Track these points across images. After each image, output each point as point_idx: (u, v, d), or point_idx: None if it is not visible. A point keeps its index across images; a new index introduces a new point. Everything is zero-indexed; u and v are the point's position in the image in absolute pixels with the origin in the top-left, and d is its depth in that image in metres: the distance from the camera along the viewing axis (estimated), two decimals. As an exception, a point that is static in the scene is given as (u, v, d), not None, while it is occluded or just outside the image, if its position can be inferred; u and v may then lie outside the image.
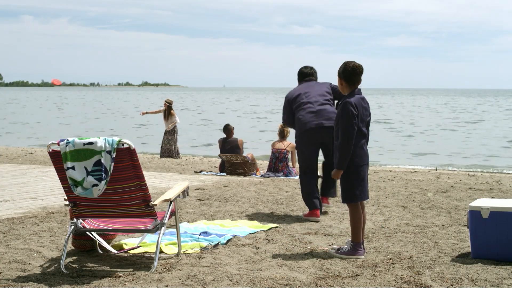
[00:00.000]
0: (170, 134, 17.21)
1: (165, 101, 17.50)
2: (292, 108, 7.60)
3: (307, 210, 7.54)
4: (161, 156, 17.21)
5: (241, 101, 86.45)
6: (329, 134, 7.12)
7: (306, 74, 7.92)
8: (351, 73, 5.45)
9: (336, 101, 7.63)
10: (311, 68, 8.00)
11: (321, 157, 7.69)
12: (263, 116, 44.91)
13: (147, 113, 18.69)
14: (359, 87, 5.53)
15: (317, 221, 7.17)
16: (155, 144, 22.65)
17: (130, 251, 5.69)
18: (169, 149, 17.16)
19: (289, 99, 7.67)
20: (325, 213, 7.65)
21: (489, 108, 64.74)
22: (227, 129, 13.80)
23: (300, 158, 7.63)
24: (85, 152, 4.88)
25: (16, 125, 36.56)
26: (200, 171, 13.14)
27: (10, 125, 36.69)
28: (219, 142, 13.92)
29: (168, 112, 17.27)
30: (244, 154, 13.23)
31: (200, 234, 6.11)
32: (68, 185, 4.98)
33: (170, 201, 5.33)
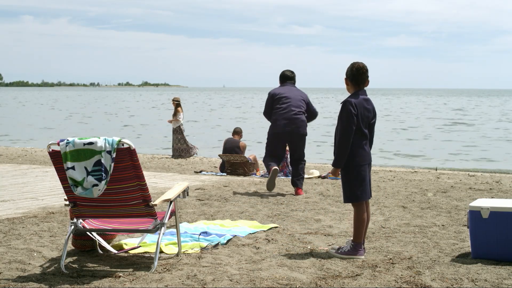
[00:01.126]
0: (178, 133, 17.01)
1: (173, 100, 17.35)
2: (273, 104, 9.21)
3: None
4: (173, 156, 16.96)
5: (241, 102, 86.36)
6: (296, 136, 9.09)
7: (289, 77, 9.44)
8: (354, 73, 5.57)
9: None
10: (292, 72, 9.51)
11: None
12: (261, 116, 44.78)
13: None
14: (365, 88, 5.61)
15: (277, 170, 9.06)
16: (152, 144, 22.63)
17: (130, 251, 5.69)
18: (180, 148, 16.95)
19: (272, 96, 9.24)
20: (326, 213, 7.66)
21: (489, 109, 64.72)
22: (234, 131, 14.24)
23: (267, 146, 9.39)
24: (85, 152, 4.88)
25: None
26: (200, 171, 13.15)
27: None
28: (224, 142, 14.01)
29: (175, 110, 17.13)
30: (246, 155, 13.25)
31: (200, 234, 6.11)
32: (68, 185, 4.97)
33: (170, 201, 5.33)
